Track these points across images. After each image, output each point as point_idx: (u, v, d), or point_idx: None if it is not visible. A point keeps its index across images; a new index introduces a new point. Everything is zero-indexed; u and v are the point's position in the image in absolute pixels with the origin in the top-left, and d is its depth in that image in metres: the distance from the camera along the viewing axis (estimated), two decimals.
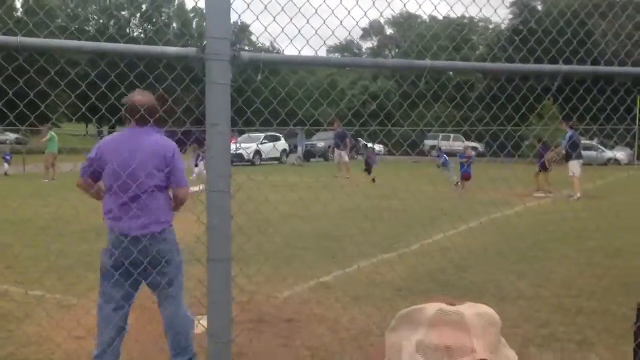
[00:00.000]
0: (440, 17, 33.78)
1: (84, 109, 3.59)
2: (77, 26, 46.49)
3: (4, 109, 2.87)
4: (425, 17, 45.40)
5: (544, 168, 15.58)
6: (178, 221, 3.76)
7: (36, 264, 6.56)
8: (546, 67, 2.80)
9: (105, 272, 3.62)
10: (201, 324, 3.42)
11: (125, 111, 3.58)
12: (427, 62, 2.62)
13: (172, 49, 2.69)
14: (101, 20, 52.54)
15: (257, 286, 5.80)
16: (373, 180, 18.25)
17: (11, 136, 46.12)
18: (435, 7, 2.75)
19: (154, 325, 4.43)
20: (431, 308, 0.92)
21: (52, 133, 19.12)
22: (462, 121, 3.85)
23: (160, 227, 3.58)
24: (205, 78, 2.56)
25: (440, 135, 35.16)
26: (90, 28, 50.34)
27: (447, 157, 18.51)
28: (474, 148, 16.66)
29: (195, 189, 5.04)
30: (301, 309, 5.21)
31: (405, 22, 44.68)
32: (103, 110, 2.94)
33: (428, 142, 35.06)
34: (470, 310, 0.90)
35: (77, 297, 5.48)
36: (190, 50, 2.62)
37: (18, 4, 41.11)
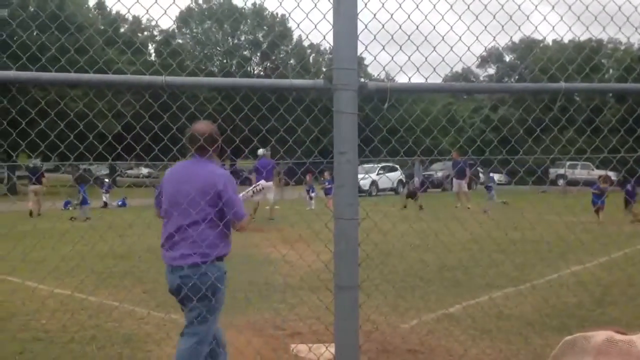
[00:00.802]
0: (566, 41, 32.30)
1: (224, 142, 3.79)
2: (204, 67, 49.62)
3: (138, 144, 3.13)
4: (548, 41, 43.73)
5: None
6: (304, 247, 3.82)
7: None
8: None
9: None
10: (329, 350, 3.45)
11: (186, 141, 3.64)
12: (562, 84, 2.53)
13: (300, 81, 2.79)
14: (225, 61, 55.62)
15: (381, 315, 5.76)
16: (420, 207, 18.37)
17: (144, 171, 49.78)
18: (570, 28, 2.65)
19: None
20: (599, 336, 0.87)
21: None
22: (585, 146, 3.63)
23: (201, 259, 3.53)
24: (333, 108, 2.63)
25: (568, 163, 33.40)
26: (215, 68, 53.46)
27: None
28: (607, 178, 15.44)
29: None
30: (426, 340, 5.09)
31: (527, 47, 43.17)
32: (237, 142, 3.10)
33: (554, 171, 33.46)
34: None
35: None
36: (318, 82, 2.71)
37: (151, 48, 44.70)
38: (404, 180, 31.09)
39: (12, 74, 2.60)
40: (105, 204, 21.92)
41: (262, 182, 15.52)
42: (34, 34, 26.79)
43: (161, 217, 3.74)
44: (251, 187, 15.52)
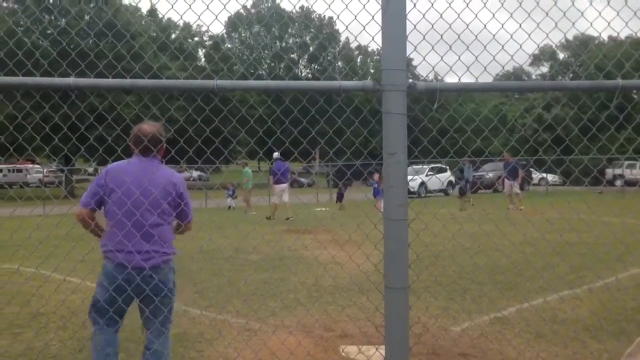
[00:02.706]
0: (622, 37, 31.23)
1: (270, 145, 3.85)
2: (252, 70, 50.28)
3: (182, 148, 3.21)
4: (604, 38, 42.35)
5: None
6: (354, 248, 3.82)
7: (221, 291, 7.06)
8: None
9: (100, 304, 3.60)
10: (379, 352, 3.45)
11: (131, 140, 3.62)
12: (619, 81, 2.45)
13: (349, 83, 2.80)
14: (273, 64, 56.22)
15: (432, 318, 5.71)
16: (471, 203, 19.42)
17: (195, 174, 50.78)
18: (626, 24, 2.57)
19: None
20: None
21: (248, 169, 20.01)
22: None
23: (165, 257, 3.61)
24: (382, 109, 2.63)
25: (625, 163, 32.29)
26: (263, 72, 54.09)
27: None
28: None
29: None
30: (478, 344, 5.01)
31: (582, 44, 41.95)
32: (287, 144, 3.13)
33: (611, 171, 32.42)
34: None
35: (260, 322, 5.79)
36: (368, 83, 2.71)
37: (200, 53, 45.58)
38: (454, 182, 30.72)
39: (71, 80, 2.70)
40: None
41: (282, 185, 16.61)
42: (90, 42, 27.72)
43: (91, 220, 3.63)
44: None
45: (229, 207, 21.23)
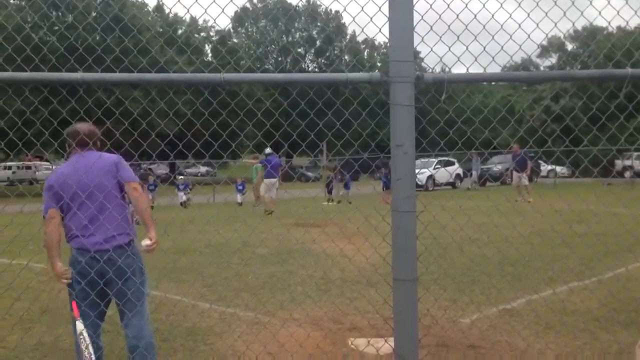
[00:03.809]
0: (631, 27, 30.95)
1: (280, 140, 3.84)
2: (259, 65, 50.24)
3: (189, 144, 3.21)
4: (612, 27, 41.99)
5: None
6: (361, 241, 3.82)
7: (229, 285, 7.08)
8: None
9: (75, 292, 3.66)
10: (388, 343, 3.46)
11: (69, 138, 3.72)
12: (628, 70, 2.43)
13: (356, 75, 2.78)
14: (279, 58, 56.14)
15: (440, 310, 5.71)
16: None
17: (202, 169, 50.88)
18: (635, 12, 2.54)
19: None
20: None
21: (258, 165, 19.68)
22: None
23: (127, 238, 3.64)
24: (390, 100, 2.62)
25: (635, 154, 32.06)
26: (270, 66, 54.04)
27: None
28: None
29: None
30: (487, 336, 5.00)
31: (590, 35, 41.61)
32: (294, 137, 3.13)
33: (620, 162, 32.21)
34: None
35: (269, 315, 5.80)
36: (375, 74, 2.70)
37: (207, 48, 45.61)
38: (462, 175, 30.63)
39: (79, 75, 2.71)
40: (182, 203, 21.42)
41: (272, 179, 16.90)
42: (97, 37, 27.77)
43: (58, 225, 3.70)
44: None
45: (240, 203, 21.16)
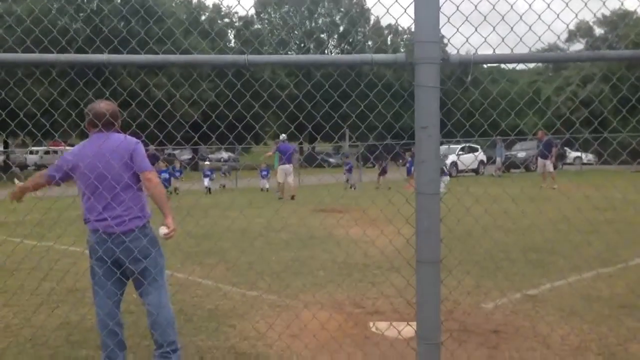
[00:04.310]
0: None
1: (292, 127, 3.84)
2: (282, 51, 50.16)
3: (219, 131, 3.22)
4: None
5: None
6: (386, 224, 3.80)
7: (252, 268, 7.14)
8: None
9: (94, 273, 3.74)
10: (410, 326, 3.46)
11: (93, 118, 3.68)
12: None
13: (381, 56, 2.75)
14: (302, 44, 55.95)
15: (461, 295, 5.69)
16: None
17: (225, 155, 51.16)
18: None
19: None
20: None
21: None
22: None
23: (140, 222, 3.65)
24: (414, 82, 2.60)
25: None
26: (292, 52, 53.91)
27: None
28: None
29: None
30: (508, 321, 4.97)
31: (619, 19, 40.68)
32: (318, 117, 3.12)
33: None
34: None
35: (289, 298, 5.84)
36: (399, 55, 2.67)
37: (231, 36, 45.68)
38: (485, 161, 30.34)
39: (105, 56, 2.73)
40: (209, 189, 20.96)
41: (286, 165, 17.08)
42: (121, 24, 27.96)
43: (41, 184, 3.85)
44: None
45: (262, 188, 21.17)
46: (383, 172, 21.47)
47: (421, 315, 2.68)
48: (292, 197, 16.87)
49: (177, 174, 21.32)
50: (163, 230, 3.70)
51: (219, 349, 4.45)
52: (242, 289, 6.27)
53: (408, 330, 4.09)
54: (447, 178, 17.43)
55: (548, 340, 4.48)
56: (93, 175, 3.59)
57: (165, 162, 19.07)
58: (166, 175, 18.31)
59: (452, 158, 28.06)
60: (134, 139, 3.73)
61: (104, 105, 3.75)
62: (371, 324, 4.95)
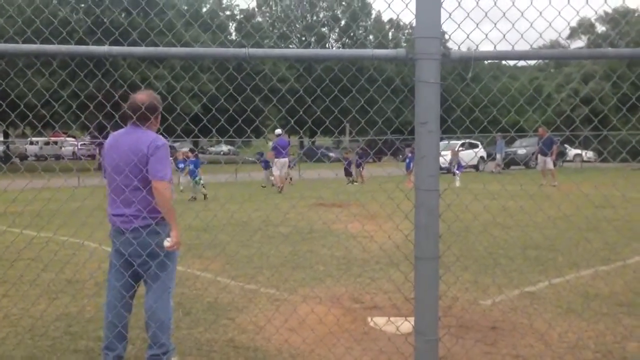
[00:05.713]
0: None
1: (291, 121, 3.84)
2: (282, 45, 50.08)
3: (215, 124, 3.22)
4: None
5: None
6: (385, 220, 3.81)
7: (251, 261, 7.14)
8: None
9: (110, 266, 3.80)
10: (408, 321, 3.47)
11: (127, 109, 3.62)
12: None
13: (382, 51, 2.75)
14: (303, 38, 55.87)
15: (460, 292, 5.70)
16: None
17: (225, 148, 51.17)
18: None
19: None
20: None
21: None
22: None
23: (148, 221, 3.60)
24: (415, 77, 2.60)
25: None
26: (293, 46, 53.81)
27: None
28: None
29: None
30: (506, 318, 4.98)
31: (621, 16, 40.59)
32: (319, 112, 3.12)
33: None
34: None
35: (288, 292, 5.85)
36: (400, 51, 2.67)
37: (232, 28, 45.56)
38: (485, 157, 30.33)
39: (106, 48, 2.73)
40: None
41: (282, 159, 17.59)
42: (122, 16, 27.88)
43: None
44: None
45: (272, 184, 20.98)
46: (358, 165, 21.62)
47: (419, 311, 2.69)
48: (280, 190, 17.35)
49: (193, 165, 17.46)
50: (166, 243, 3.67)
51: (217, 342, 4.46)
52: (241, 282, 6.28)
53: (406, 325, 4.10)
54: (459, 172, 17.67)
55: (546, 337, 4.49)
56: (110, 169, 3.61)
57: (187, 153, 17.01)
58: (190, 166, 16.00)
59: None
60: (160, 142, 3.59)
61: (140, 98, 3.64)
62: (369, 319, 4.96)
